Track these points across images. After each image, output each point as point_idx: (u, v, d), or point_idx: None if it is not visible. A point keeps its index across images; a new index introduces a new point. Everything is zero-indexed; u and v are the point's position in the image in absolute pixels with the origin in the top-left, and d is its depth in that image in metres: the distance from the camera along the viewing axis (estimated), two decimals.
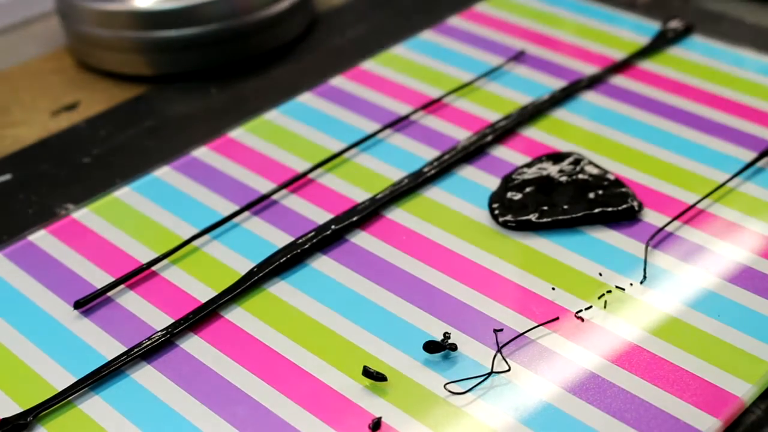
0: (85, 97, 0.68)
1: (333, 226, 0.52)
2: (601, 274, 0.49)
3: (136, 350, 0.46)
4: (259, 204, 0.55)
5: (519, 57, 0.66)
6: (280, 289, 0.49)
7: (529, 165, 0.56)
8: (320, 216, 0.54)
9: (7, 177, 0.60)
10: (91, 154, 0.62)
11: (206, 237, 0.53)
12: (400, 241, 0.52)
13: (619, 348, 0.45)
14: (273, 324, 0.47)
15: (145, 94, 0.68)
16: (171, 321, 0.48)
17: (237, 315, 0.48)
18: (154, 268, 0.51)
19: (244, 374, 0.45)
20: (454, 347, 0.45)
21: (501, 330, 0.46)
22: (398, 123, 0.60)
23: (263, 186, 0.56)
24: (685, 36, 0.67)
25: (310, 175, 0.57)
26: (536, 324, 0.46)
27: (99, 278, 0.50)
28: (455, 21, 0.71)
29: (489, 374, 0.44)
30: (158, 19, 0.66)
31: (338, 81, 0.65)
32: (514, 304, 0.48)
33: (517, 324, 0.46)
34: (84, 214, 0.55)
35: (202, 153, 0.59)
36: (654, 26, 0.68)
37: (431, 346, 0.45)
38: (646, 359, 0.44)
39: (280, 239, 0.52)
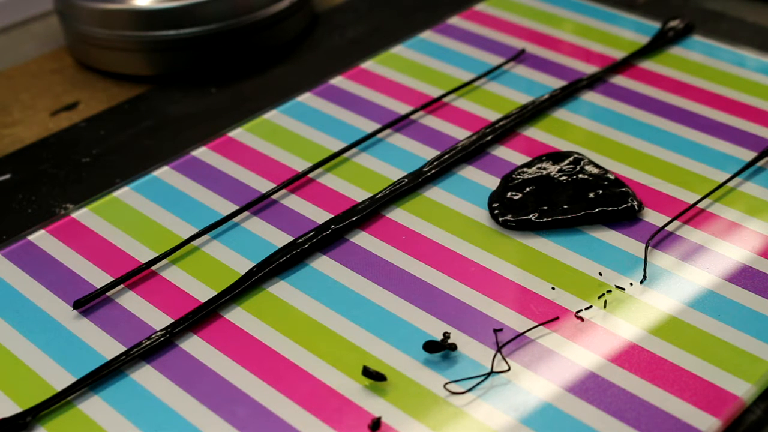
0: (84, 96, 0.68)
1: (333, 226, 0.52)
2: (601, 274, 0.49)
3: (135, 350, 0.46)
4: (258, 204, 0.55)
5: (519, 57, 0.66)
6: (279, 288, 0.49)
7: (528, 165, 0.55)
8: (320, 216, 0.54)
9: (6, 177, 0.60)
10: (91, 154, 0.62)
11: (206, 237, 0.53)
12: (400, 241, 0.52)
13: (619, 348, 0.45)
14: (273, 324, 0.47)
15: (144, 94, 0.68)
16: (170, 321, 0.48)
17: (236, 315, 0.48)
18: (153, 267, 0.51)
19: (243, 374, 0.45)
20: (453, 347, 0.45)
21: (501, 330, 0.46)
22: (398, 123, 0.60)
23: (263, 186, 0.56)
24: (685, 36, 0.67)
25: (310, 175, 0.57)
26: (536, 324, 0.46)
27: (98, 278, 0.50)
28: (455, 21, 0.71)
29: (489, 374, 0.44)
30: (158, 19, 0.66)
31: (338, 81, 0.65)
32: (514, 303, 0.47)
33: (517, 324, 0.46)
34: (83, 214, 0.55)
35: (202, 153, 0.59)
36: (654, 26, 0.68)
37: (431, 346, 0.45)
38: (646, 359, 0.44)
39: (280, 239, 0.52)
